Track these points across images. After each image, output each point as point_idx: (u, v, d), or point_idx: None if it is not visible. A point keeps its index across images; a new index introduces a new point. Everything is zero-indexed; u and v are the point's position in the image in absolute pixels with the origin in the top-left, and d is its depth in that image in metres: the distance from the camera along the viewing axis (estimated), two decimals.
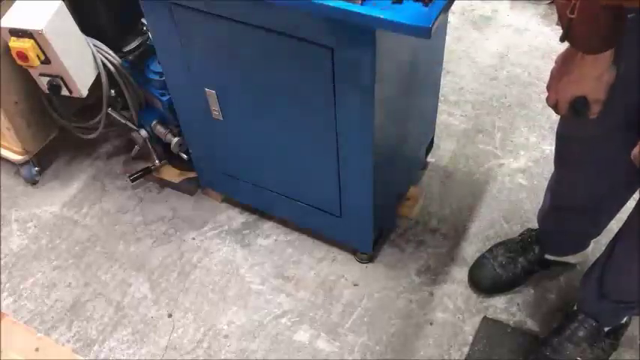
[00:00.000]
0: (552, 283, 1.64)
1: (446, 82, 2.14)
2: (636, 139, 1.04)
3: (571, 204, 1.44)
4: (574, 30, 0.97)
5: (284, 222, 1.82)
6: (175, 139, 1.78)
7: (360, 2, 1.07)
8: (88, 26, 1.67)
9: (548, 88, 1.13)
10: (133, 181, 1.92)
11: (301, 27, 1.21)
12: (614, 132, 1.16)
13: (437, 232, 1.77)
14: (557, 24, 0.82)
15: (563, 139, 1.33)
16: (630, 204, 1.73)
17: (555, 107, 1.13)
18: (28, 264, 1.80)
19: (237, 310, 1.66)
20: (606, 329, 1.45)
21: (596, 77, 1.05)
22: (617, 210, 1.45)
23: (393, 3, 1.06)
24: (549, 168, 1.44)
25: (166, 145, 1.83)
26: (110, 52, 1.70)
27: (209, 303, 1.68)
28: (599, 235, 1.55)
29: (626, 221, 1.28)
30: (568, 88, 1.08)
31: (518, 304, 1.60)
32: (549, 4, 2.43)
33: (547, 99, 1.14)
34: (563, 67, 1.08)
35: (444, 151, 1.97)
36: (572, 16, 0.93)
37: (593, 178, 1.32)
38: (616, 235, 1.33)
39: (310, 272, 1.72)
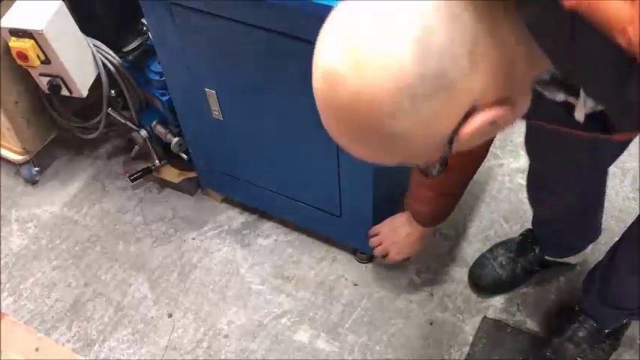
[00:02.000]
0: (552, 283, 1.63)
1: None
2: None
3: (553, 219, 1.49)
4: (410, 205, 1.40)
5: (284, 222, 1.82)
6: (175, 139, 1.78)
7: None
8: (88, 26, 1.67)
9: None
10: (133, 181, 1.92)
11: (301, 27, 1.21)
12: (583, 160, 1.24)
13: (437, 232, 1.76)
14: None
15: (535, 166, 1.40)
16: (628, 204, 1.73)
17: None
18: (28, 264, 1.80)
19: (237, 310, 1.66)
20: (607, 330, 1.45)
21: (408, 239, 1.46)
22: (601, 209, 1.47)
23: None
24: None
25: (166, 145, 1.83)
26: (110, 52, 1.70)
27: (209, 303, 1.68)
28: (597, 237, 1.56)
29: (627, 230, 1.28)
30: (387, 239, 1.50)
31: (518, 304, 1.60)
32: None
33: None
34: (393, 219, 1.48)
35: None
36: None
37: (567, 198, 1.38)
38: (617, 243, 1.32)
39: (310, 272, 1.72)
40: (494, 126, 0.61)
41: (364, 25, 0.57)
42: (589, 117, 0.76)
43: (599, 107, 0.74)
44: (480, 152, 1.18)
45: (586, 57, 0.60)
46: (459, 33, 0.56)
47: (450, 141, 0.61)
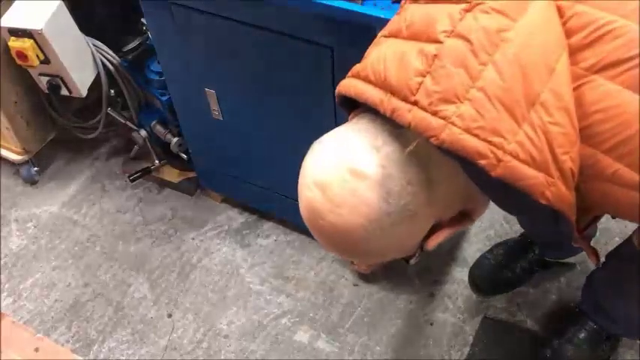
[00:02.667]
0: (552, 283, 1.63)
1: None
2: None
3: (538, 228, 1.49)
4: None
5: (284, 222, 1.82)
6: (175, 139, 1.78)
7: (360, 2, 1.07)
8: (87, 26, 1.66)
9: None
10: (132, 181, 1.91)
11: (301, 27, 1.21)
12: None
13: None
14: None
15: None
16: None
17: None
18: (28, 264, 1.80)
19: (237, 310, 1.65)
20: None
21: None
22: None
23: (393, 3, 1.06)
24: None
25: (166, 145, 1.83)
26: (110, 51, 1.70)
27: (209, 303, 1.67)
28: (592, 236, 1.55)
29: (620, 246, 1.27)
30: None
31: (518, 304, 1.60)
32: None
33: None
34: None
35: None
36: None
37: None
38: (612, 260, 1.31)
39: (310, 272, 1.71)
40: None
41: (334, 168, 0.70)
42: None
43: None
44: None
45: (519, 207, 0.76)
46: (413, 175, 0.68)
47: (420, 247, 0.75)
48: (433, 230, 0.75)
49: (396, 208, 0.68)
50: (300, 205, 0.75)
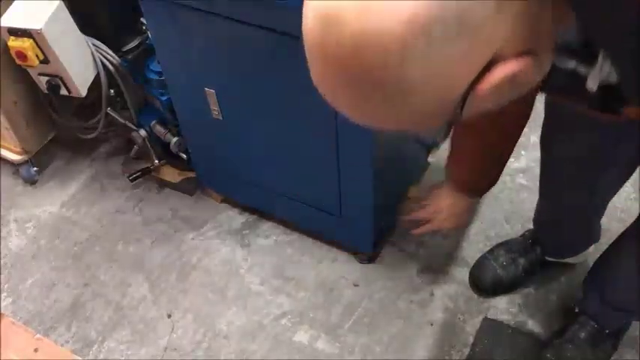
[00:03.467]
0: (553, 283, 1.63)
1: None
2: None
3: (560, 218, 1.46)
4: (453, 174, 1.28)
5: (284, 222, 1.81)
6: (175, 139, 1.77)
7: None
8: (87, 26, 1.66)
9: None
10: (132, 181, 1.91)
11: (301, 27, 1.20)
12: (601, 151, 1.18)
13: (437, 232, 1.75)
14: None
15: (550, 160, 1.34)
16: (630, 204, 1.73)
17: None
18: (27, 264, 1.80)
19: (237, 310, 1.65)
20: (607, 331, 1.44)
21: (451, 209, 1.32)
22: (604, 211, 1.44)
23: None
24: None
25: (166, 145, 1.82)
26: (109, 51, 1.69)
27: (209, 303, 1.67)
28: (598, 239, 1.55)
29: (624, 232, 1.26)
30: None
31: (519, 305, 1.60)
32: None
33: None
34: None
35: (444, 151, 1.96)
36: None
37: (581, 192, 1.32)
38: (614, 244, 1.31)
39: (310, 272, 1.71)
40: (515, 85, 0.53)
41: None
42: (601, 98, 0.69)
43: (612, 79, 0.66)
44: (520, 111, 1.02)
45: (613, 25, 0.50)
46: None
47: (463, 100, 0.52)
48: (485, 72, 0.52)
49: (453, 16, 0.46)
50: (305, 12, 0.53)
